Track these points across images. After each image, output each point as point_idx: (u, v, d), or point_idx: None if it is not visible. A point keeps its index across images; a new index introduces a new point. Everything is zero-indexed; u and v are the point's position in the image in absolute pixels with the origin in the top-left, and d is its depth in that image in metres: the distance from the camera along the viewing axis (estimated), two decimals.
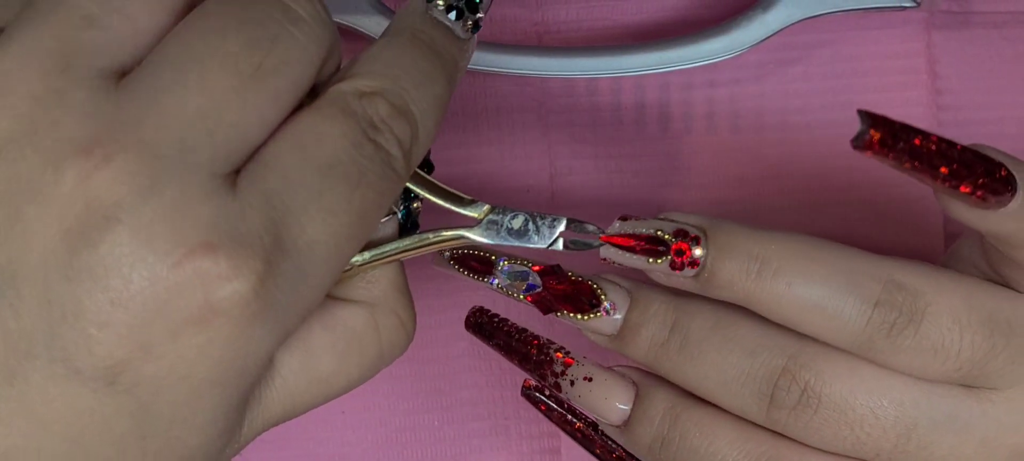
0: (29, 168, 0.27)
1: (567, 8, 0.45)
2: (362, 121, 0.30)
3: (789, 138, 0.45)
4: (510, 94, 0.45)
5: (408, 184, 0.34)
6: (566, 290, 0.36)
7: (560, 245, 0.35)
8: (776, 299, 0.34)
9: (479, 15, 0.33)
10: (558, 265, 0.36)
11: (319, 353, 0.33)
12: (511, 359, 0.38)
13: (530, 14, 0.45)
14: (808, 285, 0.34)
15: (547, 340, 0.38)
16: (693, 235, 0.35)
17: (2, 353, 0.28)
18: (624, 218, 0.36)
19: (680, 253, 0.35)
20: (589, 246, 0.35)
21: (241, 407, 0.31)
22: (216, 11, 0.29)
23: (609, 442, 0.39)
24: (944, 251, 0.44)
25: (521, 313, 0.39)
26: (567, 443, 0.45)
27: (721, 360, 0.35)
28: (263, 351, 0.29)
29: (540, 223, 0.35)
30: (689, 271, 0.35)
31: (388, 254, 0.34)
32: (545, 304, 0.36)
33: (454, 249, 0.37)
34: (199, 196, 0.28)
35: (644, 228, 0.35)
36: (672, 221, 0.35)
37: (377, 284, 0.34)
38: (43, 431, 0.28)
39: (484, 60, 0.43)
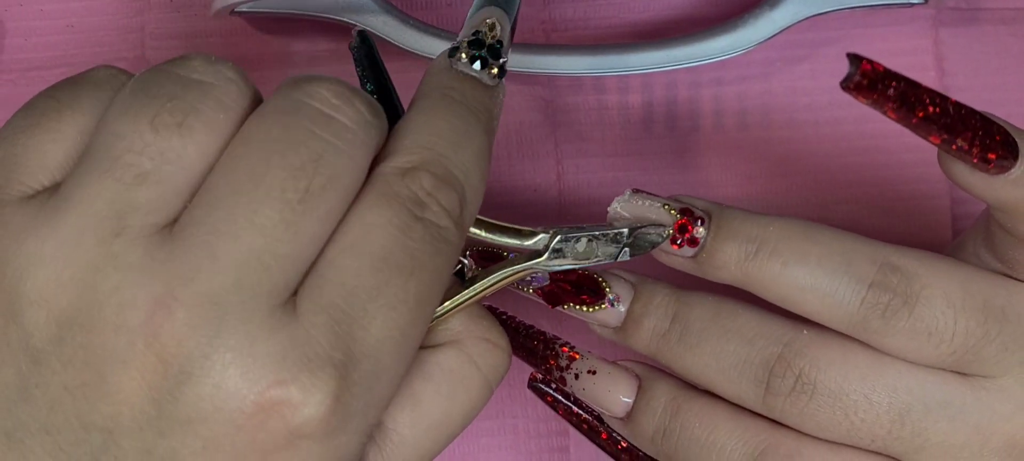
0: (102, 336, 0.29)
1: (574, 6, 0.45)
2: (407, 202, 0.30)
3: (796, 135, 0.45)
4: (517, 92, 0.45)
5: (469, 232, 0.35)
6: (572, 282, 0.37)
7: (627, 255, 0.35)
8: (772, 279, 0.35)
9: (503, 60, 0.33)
10: None
11: (426, 402, 0.33)
12: (517, 354, 0.38)
13: (537, 12, 0.45)
14: (803, 266, 0.35)
15: (552, 335, 0.38)
16: (698, 215, 0.36)
17: None
18: (636, 190, 0.36)
19: (683, 230, 0.36)
20: (654, 244, 0.36)
21: None
22: (258, 137, 0.30)
23: (614, 434, 0.39)
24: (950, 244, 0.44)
25: (529, 310, 0.39)
26: (576, 441, 0.45)
27: (720, 349, 0.36)
28: (353, 450, 0.30)
29: (604, 240, 0.35)
30: (688, 249, 0.36)
31: (468, 299, 0.34)
32: (553, 297, 0.37)
33: (469, 245, 0.38)
34: (262, 333, 0.29)
35: (652, 201, 0.36)
36: (680, 201, 0.36)
37: (455, 320, 0.34)
38: None
39: None
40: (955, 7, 0.44)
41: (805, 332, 0.36)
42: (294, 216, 0.29)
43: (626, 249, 0.35)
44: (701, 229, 0.36)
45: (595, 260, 0.35)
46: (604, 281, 0.37)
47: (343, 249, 0.30)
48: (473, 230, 0.35)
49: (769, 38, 0.42)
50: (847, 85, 0.30)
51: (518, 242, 0.35)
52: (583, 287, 0.37)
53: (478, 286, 0.35)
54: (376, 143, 0.31)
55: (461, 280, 0.35)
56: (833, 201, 0.45)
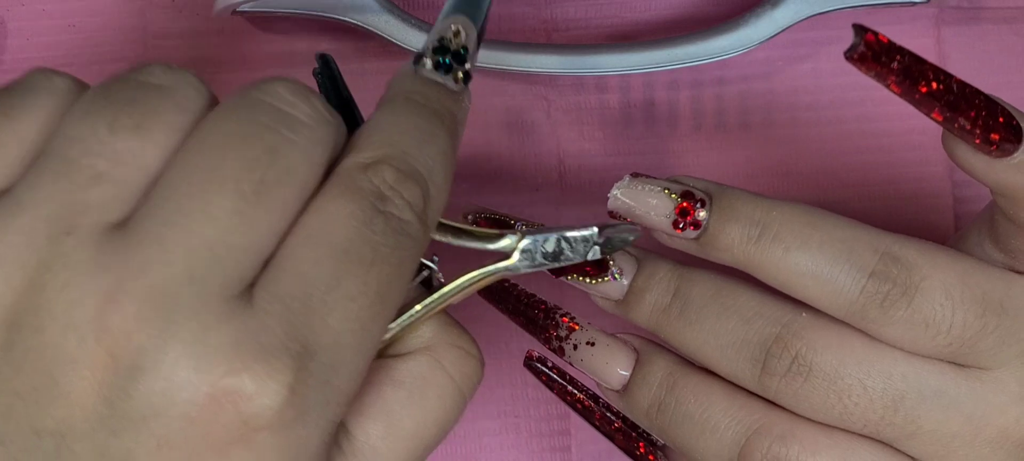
0: (51, 336, 0.28)
1: (576, 6, 0.45)
2: (369, 195, 0.30)
3: (799, 135, 0.45)
4: (519, 92, 0.45)
5: (434, 236, 0.34)
6: None
7: (598, 253, 0.35)
8: (774, 264, 0.35)
9: (467, 66, 0.33)
10: None
11: (397, 411, 0.33)
12: (518, 322, 0.39)
13: (539, 12, 0.45)
14: (805, 252, 0.35)
15: (554, 305, 0.38)
16: (699, 198, 0.36)
17: None
18: (635, 175, 0.36)
19: (685, 213, 0.36)
20: (625, 242, 0.36)
21: None
22: (212, 131, 0.29)
23: (608, 414, 0.40)
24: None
25: (530, 279, 0.39)
26: (577, 441, 0.45)
27: (719, 327, 0.36)
28: (313, 446, 0.30)
29: (573, 240, 0.35)
30: (690, 232, 0.36)
31: (436, 304, 0.34)
32: (556, 269, 0.37)
33: (476, 212, 0.38)
34: (215, 324, 0.28)
35: (652, 185, 0.36)
36: (680, 182, 0.36)
37: (425, 327, 0.34)
38: None
39: (493, 58, 0.43)
40: (957, 6, 0.44)
41: (804, 314, 0.36)
42: (248, 207, 0.29)
43: (596, 248, 0.35)
44: (703, 212, 0.36)
45: (566, 260, 0.35)
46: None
47: (301, 240, 0.30)
48: (438, 235, 0.34)
49: (771, 37, 0.42)
50: (851, 55, 0.30)
51: (484, 245, 0.35)
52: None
53: (447, 290, 0.34)
54: (333, 143, 0.31)
55: (428, 289, 0.35)
56: (835, 200, 0.45)
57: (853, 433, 0.36)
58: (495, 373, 0.45)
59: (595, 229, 0.35)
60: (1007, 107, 0.33)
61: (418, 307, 0.34)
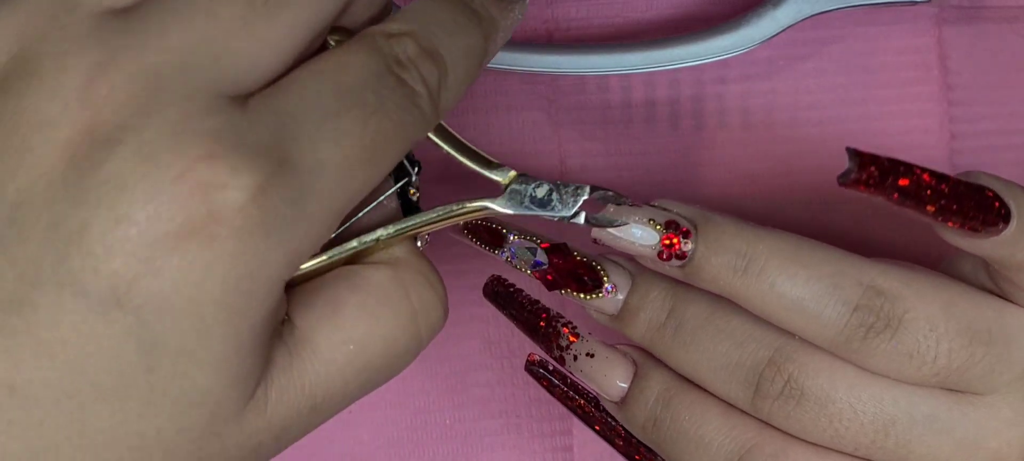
0: (35, 99, 0.28)
1: (577, 5, 0.45)
2: (388, 57, 0.30)
3: (800, 134, 0.45)
4: (520, 92, 0.45)
5: (434, 137, 0.34)
6: (571, 269, 0.37)
7: (582, 219, 0.35)
8: (759, 296, 0.35)
9: None
10: (565, 243, 0.37)
11: (347, 313, 0.32)
12: (521, 328, 0.39)
13: (540, 11, 0.45)
14: (791, 285, 0.35)
15: (556, 314, 0.39)
16: (684, 228, 0.36)
17: (11, 283, 0.28)
18: (619, 201, 0.36)
19: (669, 245, 0.36)
20: (611, 223, 0.35)
21: (253, 350, 0.30)
22: None
23: (609, 419, 0.40)
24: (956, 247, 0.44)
25: (535, 285, 0.39)
26: (579, 440, 0.45)
27: (712, 348, 0.36)
28: (267, 272, 0.29)
29: (564, 192, 0.35)
30: (676, 262, 0.36)
31: (412, 227, 0.34)
32: (550, 281, 0.37)
33: (474, 220, 0.37)
34: (201, 113, 0.28)
35: (637, 215, 0.36)
36: (665, 210, 0.36)
37: (395, 247, 0.34)
38: (49, 362, 0.28)
39: (494, 58, 0.43)
40: (958, 5, 0.44)
41: (796, 338, 0.36)
42: (255, 17, 0.29)
43: (582, 214, 0.35)
44: (688, 243, 0.36)
45: (553, 210, 0.35)
46: (602, 269, 0.37)
47: (309, 72, 0.29)
48: (440, 140, 0.34)
49: (772, 36, 0.42)
50: (846, 182, 0.30)
51: (482, 169, 0.35)
52: (581, 274, 0.37)
53: (429, 215, 0.34)
54: None
55: (402, 200, 0.34)
56: (836, 200, 0.45)
57: (845, 454, 0.36)
58: (496, 373, 0.45)
59: (588, 187, 0.35)
60: (998, 192, 0.33)
61: (393, 228, 0.33)
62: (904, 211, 0.32)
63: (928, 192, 0.31)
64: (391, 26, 0.31)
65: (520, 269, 0.37)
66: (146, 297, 0.28)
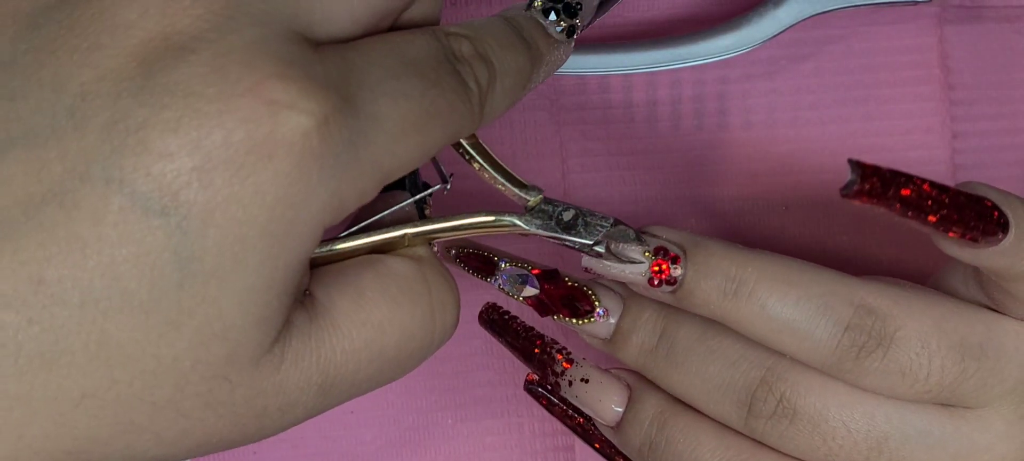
0: (114, 4, 0.28)
1: None
2: (446, 49, 0.31)
3: (801, 134, 0.45)
4: None
5: (469, 149, 0.34)
6: (562, 294, 0.38)
7: (602, 248, 0.35)
8: (750, 319, 0.35)
9: (575, 21, 0.34)
10: (556, 270, 0.38)
11: (369, 297, 0.31)
12: (516, 355, 0.39)
13: None
14: (781, 306, 0.35)
15: (551, 340, 0.39)
16: (672, 254, 0.36)
17: (58, 174, 0.27)
18: (618, 223, 0.36)
19: (659, 271, 0.36)
20: (631, 260, 0.36)
21: (281, 296, 0.29)
22: None
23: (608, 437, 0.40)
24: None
25: (529, 311, 0.39)
26: (581, 442, 0.45)
27: (704, 369, 0.36)
28: (312, 209, 0.28)
29: (590, 220, 0.35)
30: (667, 288, 0.36)
31: (439, 230, 0.34)
32: (542, 307, 0.38)
33: (461, 246, 0.38)
34: (277, 39, 0.28)
35: (625, 250, 0.36)
36: (654, 236, 0.36)
37: (418, 247, 0.34)
38: (82, 260, 0.27)
39: None
40: (960, 5, 0.44)
41: (787, 357, 0.36)
42: None
43: (601, 245, 0.35)
44: (677, 269, 0.36)
45: (575, 236, 0.35)
46: (594, 294, 0.38)
47: (379, 39, 0.30)
48: (474, 153, 0.34)
49: (773, 36, 0.42)
50: (847, 193, 0.30)
51: (512, 187, 0.35)
52: (573, 299, 0.37)
53: (452, 221, 0.34)
54: None
55: (420, 212, 0.34)
56: (837, 200, 0.45)
57: None
58: (498, 373, 0.45)
59: (612, 220, 0.35)
60: (996, 201, 0.33)
61: (421, 228, 0.33)
62: (906, 222, 0.32)
63: (929, 202, 0.31)
64: (450, 27, 0.32)
65: (512, 296, 0.38)
66: (192, 207, 0.27)
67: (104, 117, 0.27)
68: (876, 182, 0.30)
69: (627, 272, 0.36)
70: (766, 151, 0.45)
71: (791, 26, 0.42)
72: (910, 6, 0.43)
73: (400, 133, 0.29)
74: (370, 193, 0.30)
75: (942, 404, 0.35)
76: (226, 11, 0.28)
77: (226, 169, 0.27)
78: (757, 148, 0.45)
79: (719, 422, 0.37)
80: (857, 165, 0.30)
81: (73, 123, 0.27)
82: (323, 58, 0.29)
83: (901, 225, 0.45)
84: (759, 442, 0.36)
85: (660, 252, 0.36)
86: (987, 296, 0.36)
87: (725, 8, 0.44)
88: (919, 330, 0.35)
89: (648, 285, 0.36)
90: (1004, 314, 0.36)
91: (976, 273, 0.36)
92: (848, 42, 0.44)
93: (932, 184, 0.31)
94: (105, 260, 0.27)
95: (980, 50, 0.45)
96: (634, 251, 0.36)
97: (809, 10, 0.42)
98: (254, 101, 0.27)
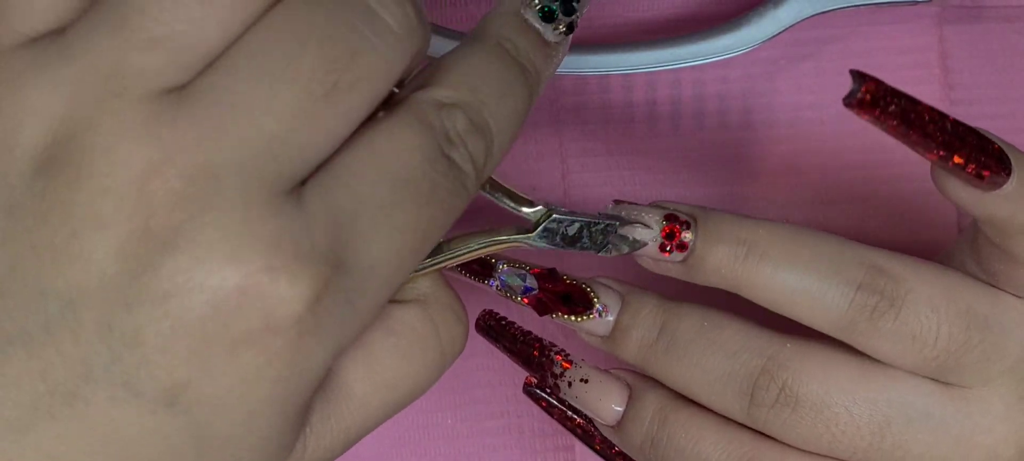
0: (86, 194, 0.27)
1: None
2: (439, 135, 0.29)
3: (801, 134, 0.45)
4: None
5: None
6: (561, 293, 0.38)
7: (612, 252, 0.35)
8: (763, 283, 0.35)
9: (574, 17, 0.32)
10: (554, 269, 0.38)
11: (381, 357, 0.32)
12: (515, 360, 0.39)
13: None
14: (793, 269, 0.35)
15: (549, 343, 0.39)
16: (684, 219, 0.36)
17: (62, 375, 0.27)
18: (618, 202, 0.37)
19: (670, 236, 0.36)
20: (637, 245, 0.36)
21: (297, 423, 0.30)
22: (295, 17, 0.28)
23: (608, 438, 0.40)
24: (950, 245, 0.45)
25: (526, 313, 0.39)
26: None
27: (705, 361, 0.36)
28: (317, 367, 0.29)
29: (594, 230, 0.35)
30: (677, 255, 0.36)
31: (450, 257, 0.34)
32: (541, 306, 0.38)
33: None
34: (260, 217, 0.27)
35: (636, 213, 0.36)
36: (663, 207, 0.36)
37: (423, 282, 0.33)
38: (103, 450, 0.28)
39: None
40: (960, 4, 0.44)
41: (788, 345, 0.36)
42: (315, 109, 0.27)
43: (609, 246, 0.36)
44: (688, 234, 0.36)
45: (581, 246, 0.35)
46: (592, 291, 0.38)
47: (364, 155, 0.28)
48: None
49: (773, 36, 0.42)
50: (850, 102, 0.30)
51: (514, 207, 0.35)
52: (572, 297, 0.37)
53: (459, 249, 0.34)
54: (415, 52, 0.29)
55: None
56: (837, 200, 0.45)
57: None
58: (498, 373, 0.45)
59: (617, 222, 0.36)
60: (998, 142, 0.33)
61: (429, 263, 0.33)
62: (911, 146, 0.32)
63: (931, 126, 0.31)
64: (441, 93, 0.30)
65: (510, 297, 0.38)
66: (199, 399, 0.28)
67: (96, 322, 0.27)
68: (874, 86, 0.30)
69: (638, 230, 0.36)
70: (766, 151, 0.45)
71: (791, 26, 0.42)
72: (910, 6, 0.43)
73: (399, 266, 0.29)
74: (374, 318, 0.30)
75: (943, 384, 0.36)
76: (202, 194, 0.27)
77: (226, 359, 0.27)
78: (757, 148, 0.45)
79: (721, 415, 0.37)
80: (859, 75, 0.30)
81: (66, 326, 0.27)
82: (309, 221, 0.28)
83: (901, 220, 0.45)
84: (761, 434, 0.36)
85: (671, 218, 0.36)
86: (986, 273, 0.36)
87: (725, 8, 0.44)
88: (929, 294, 0.35)
89: (659, 252, 0.36)
90: (1005, 292, 0.36)
91: (974, 252, 0.36)
92: (848, 42, 0.44)
93: (932, 107, 0.32)
94: (123, 449, 0.28)
95: (980, 50, 0.45)
96: (648, 216, 0.36)
97: (809, 10, 0.42)
98: (244, 297, 0.27)
